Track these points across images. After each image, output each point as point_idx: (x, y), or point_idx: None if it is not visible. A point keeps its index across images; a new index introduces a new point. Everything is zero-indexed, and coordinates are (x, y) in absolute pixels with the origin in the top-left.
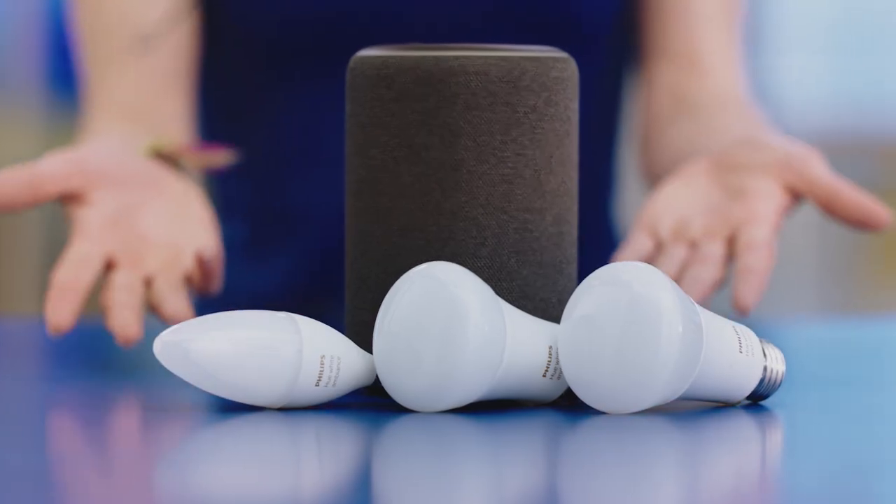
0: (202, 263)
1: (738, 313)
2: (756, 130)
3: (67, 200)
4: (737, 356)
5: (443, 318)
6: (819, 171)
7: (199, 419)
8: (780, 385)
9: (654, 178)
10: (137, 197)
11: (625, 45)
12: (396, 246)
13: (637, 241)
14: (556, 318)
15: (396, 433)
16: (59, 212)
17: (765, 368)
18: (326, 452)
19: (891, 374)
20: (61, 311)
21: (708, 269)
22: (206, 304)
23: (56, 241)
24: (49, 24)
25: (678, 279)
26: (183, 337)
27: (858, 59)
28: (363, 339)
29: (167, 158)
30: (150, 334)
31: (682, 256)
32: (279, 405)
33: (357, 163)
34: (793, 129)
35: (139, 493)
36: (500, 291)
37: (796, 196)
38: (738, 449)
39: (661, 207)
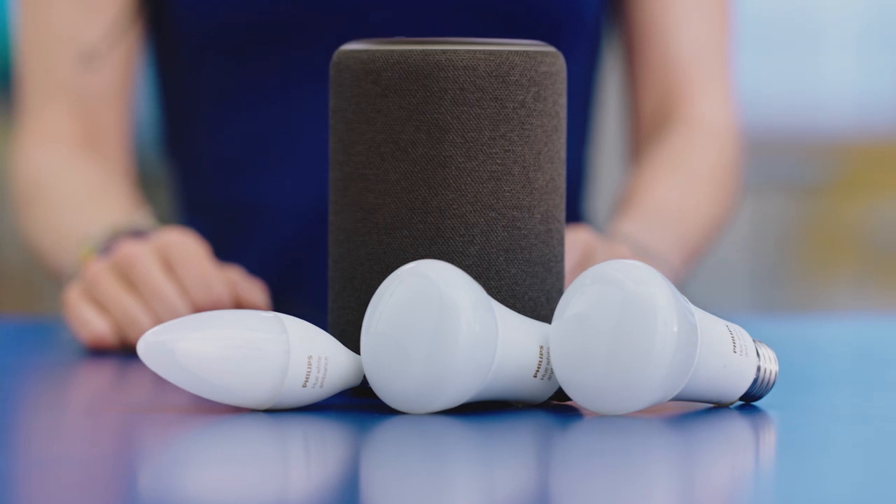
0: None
1: None
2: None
3: None
4: (731, 356)
5: (433, 318)
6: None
7: (184, 421)
8: (773, 385)
9: None
10: None
11: (600, 36)
12: (383, 244)
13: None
14: (544, 318)
15: (385, 435)
16: None
17: (758, 368)
18: (314, 455)
19: (864, 373)
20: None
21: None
22: None
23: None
24: None
25: None
26: (167, 337)
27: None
28: (348, 338)
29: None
30: None
31: None
32: (266, 406)
33: (342, 159)
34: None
35: (124, 495)
36: (489, 290)
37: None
38: (732, 450)
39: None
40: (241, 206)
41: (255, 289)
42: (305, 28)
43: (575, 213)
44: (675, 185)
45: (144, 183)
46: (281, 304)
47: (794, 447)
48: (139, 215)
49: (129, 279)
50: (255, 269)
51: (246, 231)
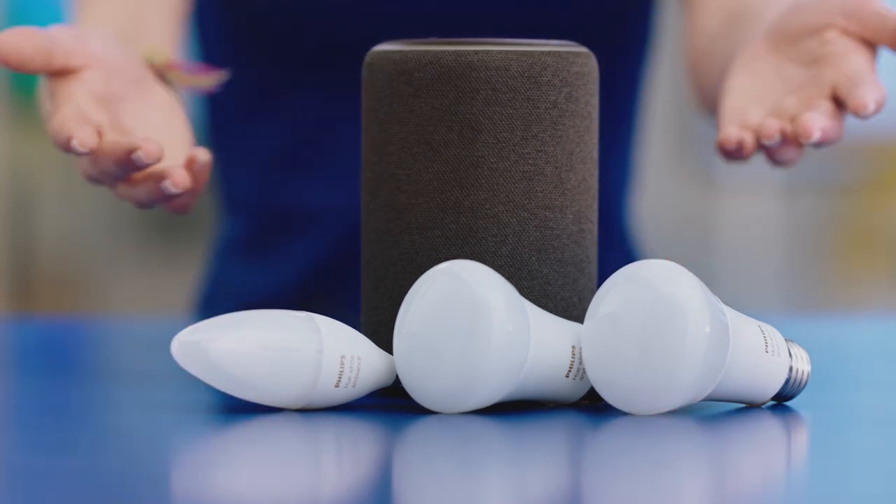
0: (192, 163)
1: (856, 114)
2: None
3: (58, 75)
4: (762, 356)
5: (466, 318)
6: (879, 11)
7: (217, 420)
8: (805, 386)
9: (710, 103)
10: (126, 91)
11: (646, 36)
12: (415, 244)
13: (732, 130)
14: (576, 318)
15: (417, 435)
16: (22, 207)
17: (790, 369)
18: (346, 454)
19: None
20: (84, 129)
21: (819, 115)
22: (209, 300)
23: (19, 239)
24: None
25: (789, 133)
26: (201, 337)
27: None
28: (380, 338)
29: (156, 70)
30: (168, 336)
31: (782, 125)
32: (298, 406)
33: (374, 159)
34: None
35: (158, 494)
36: (521, 290)
37: (869, 45)
38: (764, 450)
39: (742, 102)
40: (279, 208)
41: (202, 151)
42: (355, 31)
43: (619, 215)
44: None
45: None
46: (316, 305)
47: (826, 448)
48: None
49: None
50: (292, 271)
51: (284, 233)
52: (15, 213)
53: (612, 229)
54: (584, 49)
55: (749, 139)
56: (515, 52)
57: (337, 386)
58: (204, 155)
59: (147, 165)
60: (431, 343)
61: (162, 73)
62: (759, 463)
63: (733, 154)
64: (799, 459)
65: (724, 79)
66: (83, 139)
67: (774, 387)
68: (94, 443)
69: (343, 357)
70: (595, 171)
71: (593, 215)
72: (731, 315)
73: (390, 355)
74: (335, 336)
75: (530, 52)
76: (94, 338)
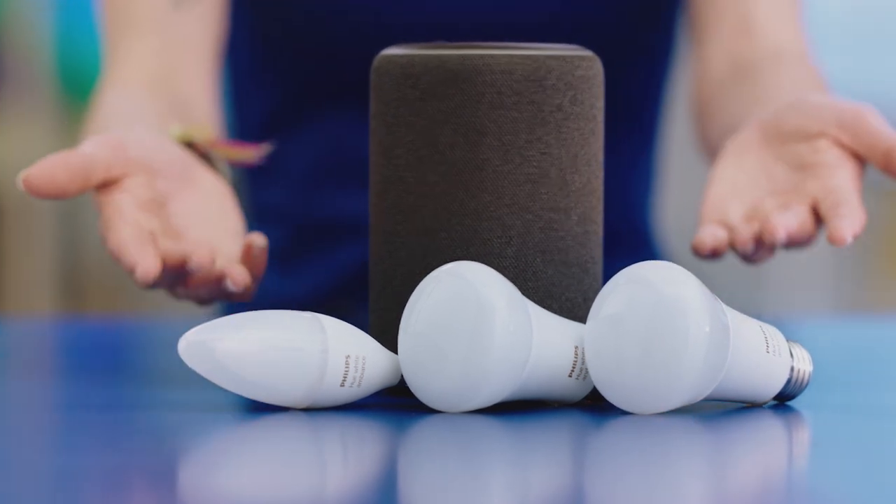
0: (251, 251)
1: (832, 244)
2: (806, 89)
3: (101, 188)
4: (763, 356)
5: (470, 318)
6: (874, 129)
7: (223, 419)
8: (807, 385)
9: (711, 149)
10: (172, 188)
11: (673, 39)
12: (421, 246)
13: (708, 232)
14: (581, 318)
15: (422, 434)
16: (73, 209)
17: (791, 369)
18: (351, 453)
19: None
20: (146, 255)
21: (790, 217)
22: (243, 309)
23: (69, 240)
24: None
25: (758, 239)
26: (208, 336)
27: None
28: (388, 338)
29: (197, 148)
30: (175, 334)
31: (755, 229)
32: (304, 405)
33: (382, 162)
34: None
35: (165, 492)
36: (526, 291)
37: (860, 159)
38: (765, 449)
39: (726, 194)
40: (313, 219)
41: (258, 236)
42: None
43: (642, 218)
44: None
45: None
46: (348, 315)
47: (828, 447)
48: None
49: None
50: (325, 281)
51: (318, 243)
52: (65, 216)
53: (637, 233)
54: (589, 52)
55: (723, 242)
56: (520, 55)
57: (342, 385)
58: (260, 240)
59: (202, 272)
60: (436, 343)
61: (205, 151)
62: (759, 462)
63: (706, 257)
64: (800, 458)
65: (714, 164)
66: (147, 269)
67: (776, 386)
68: (98, 440)
69: (348, 357)
70: (600, 174)
71: (598, 217)
72: (732, 315)
73: (395, 355)
74: (340, 336)
75: (535, 55)
76: (135, 338)
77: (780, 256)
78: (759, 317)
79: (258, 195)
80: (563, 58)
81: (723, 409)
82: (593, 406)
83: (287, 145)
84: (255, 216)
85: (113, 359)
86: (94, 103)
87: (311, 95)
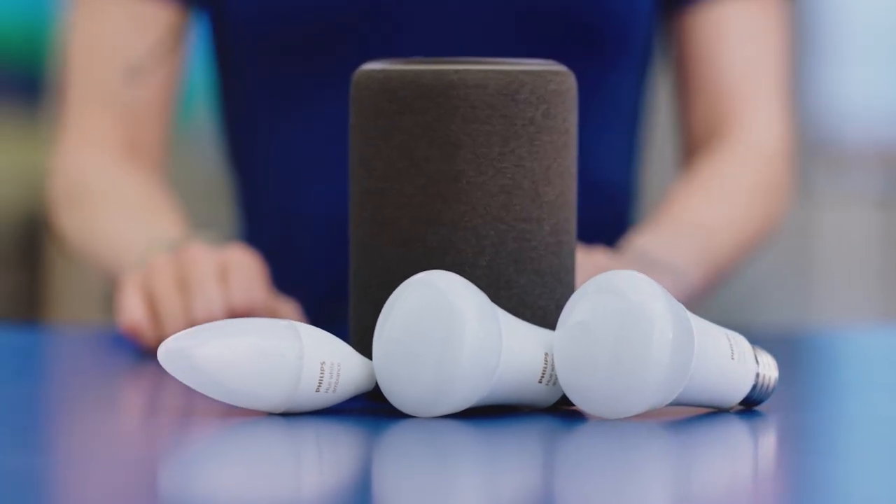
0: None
1: None
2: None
3: None
4: (728, 362)
5: (441, 326)
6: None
7: (201, 424)
8: (772, 391)
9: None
10: None
11: (651, 52)
12: (398, 255)
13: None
14: (554, 326)
15: (395, 438)
16: None
17: (757, 375)
18: (326, 457)
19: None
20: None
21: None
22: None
23: None
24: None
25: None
26: (187, 343)
27: None
28: (367, 345)
29: None
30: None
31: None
32: (280, 410)
33: (361, 174)
34: (855, 139)
35: (142, 496)
36: (499, 300)
37: None
38: (731, 454)
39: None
40: (294, 216)
41: (290, 311)
42: (355, 36)
43: (622, 229)
44: (706, 199)
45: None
46: (330, 313)
47: (796, 451)
48: (202, 231)
49: (184, 280)
50: (305, 277)
51: (298, 240)
52: None
53: None
54: (562, 68)
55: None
56: (493, 70)
57: (318, 391)
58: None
59: None
60: (409, 349)
61: None
62: (726, 466)
63: None
64: (765, 463)
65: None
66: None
67: (741, 391)
68: (78, 443)
69: (323, 363)
70: (574, 185)
71: (571, 227)
72: (697, 322)
73: (370, 361)
74: (316, 343)
75: (508, 70)
76: (85, 340)
77: (829, 265)
78: (802, 323)
79: (244, 194)
80: (536, 73)
81: (690, 415)
82: (563, 411)
83: (272, 143)
84: (243, 214)
85: (96, 362)
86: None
87: (292, 94)
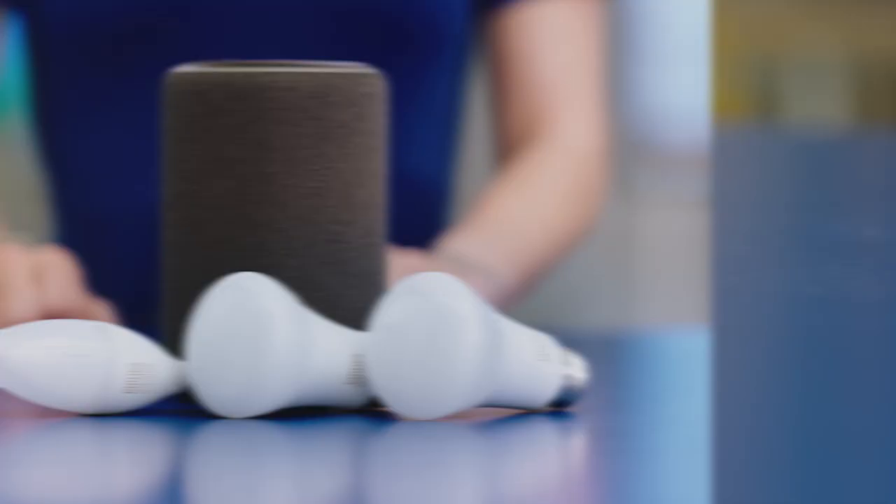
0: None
1: None
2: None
3: None
4: (536, 363)
5: (251, 327)
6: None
7: (11, 426)
8: (581, 393)
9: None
10: None
11: (465, 50)
12: (210, 257)
13: None
14: (366, 328)
15: (206, 439)
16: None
17: (564, 376)
18: (137, 458)
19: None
20: None
21: None
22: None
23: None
24: None
25: None
26: None
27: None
28: (179, 346)
29: None
30: None
31: None
32: (92, 411)
33: (173, 176)
34: (676, 140)
35: None
36: (311, 301)
37: None
38: (538, 454)
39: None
40: (106, 218)
41: (104, 312)
42: (168, 37)
43: (437, 228)
44: (518, 200)
45: None
46: (141, 314)
47: (602, 452)
48: (16, 233)
49: None
50: (117, 279)
51: (110, 242)
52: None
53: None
54: (373, 71)
55: None
56: (305, 73)
57: (127, 392)
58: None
59: None
60: (219, 350)
61: None
62: (533, 466)
63: None
64: (574, 463)
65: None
66: None
67: (549, 392)
68: None
69: (133, 364)
70: (383, 188)
71: (382, 230)
72: (505, 324)
73: (180, 362)
74: (125, 344)
75: (319, 73)
76: None
77: (651, 266)
78: (624, 324)
79: (55, 191)
80: (348, 76)
81: (500, 416)
82: (374, 412)
83: (77, 138)
84: (53, 213)
85: None
86: None
87: (102, 91)
